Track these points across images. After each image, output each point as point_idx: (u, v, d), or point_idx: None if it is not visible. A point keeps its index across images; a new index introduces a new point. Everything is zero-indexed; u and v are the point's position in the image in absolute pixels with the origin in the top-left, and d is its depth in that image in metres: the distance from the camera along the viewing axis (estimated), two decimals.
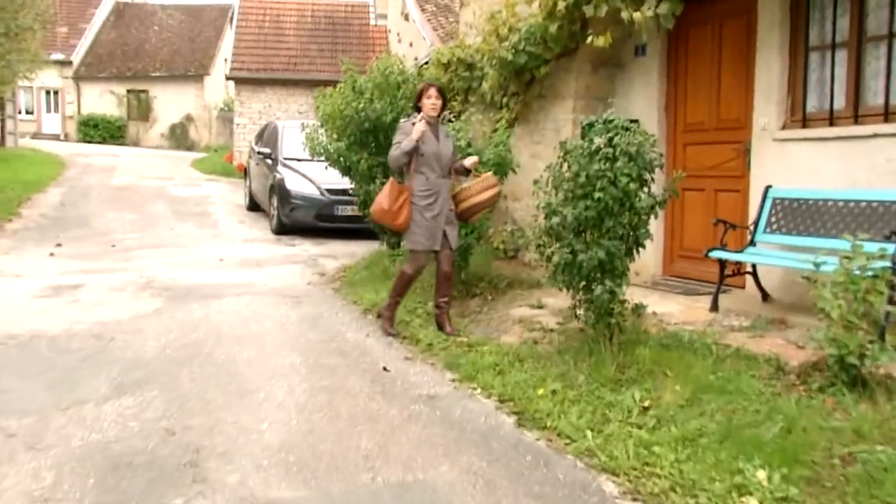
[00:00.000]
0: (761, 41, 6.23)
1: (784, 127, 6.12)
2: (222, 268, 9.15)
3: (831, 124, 5.78)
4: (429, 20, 17.45)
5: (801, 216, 5.76)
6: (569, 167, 4.91)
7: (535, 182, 5.16)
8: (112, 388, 4.77)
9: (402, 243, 6.61)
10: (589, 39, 6.56)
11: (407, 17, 20.00)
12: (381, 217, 6.15)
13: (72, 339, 5.88)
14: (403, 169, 6.10)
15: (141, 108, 35.23)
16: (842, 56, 5.76)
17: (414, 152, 5.91)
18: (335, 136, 8.21)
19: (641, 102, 7.40)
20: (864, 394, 3.93)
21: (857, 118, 5.61)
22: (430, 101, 6.03)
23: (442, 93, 6.16)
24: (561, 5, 6.82)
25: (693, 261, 7.05)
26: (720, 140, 6.75)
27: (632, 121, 5.28)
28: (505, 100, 8.36)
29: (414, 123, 5.93)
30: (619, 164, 4.67)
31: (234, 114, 23.97)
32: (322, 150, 8.32)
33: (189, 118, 35.02)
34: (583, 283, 4.98)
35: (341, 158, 8.19)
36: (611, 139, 4.79)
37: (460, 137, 6.76)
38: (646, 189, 4.88)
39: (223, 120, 32.89)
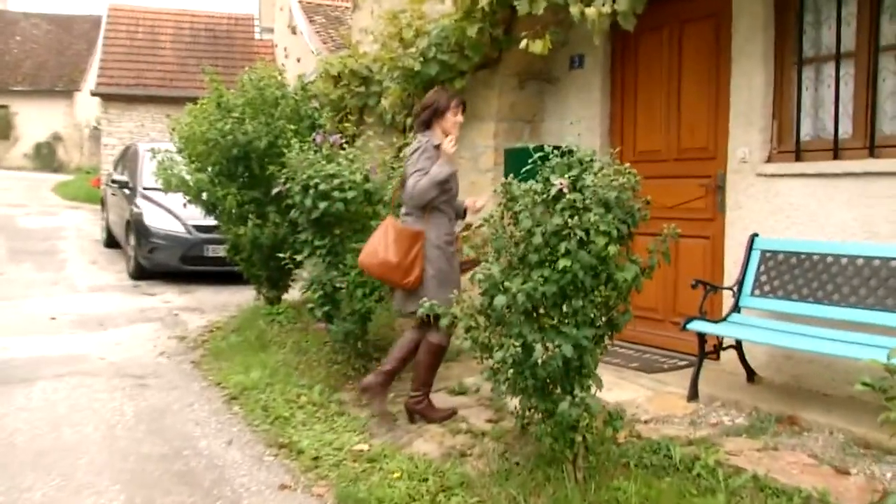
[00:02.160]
0: (738, 49, 4.91)
1: (770, 159, 4.80)
2: (51, 331, 7.13)
3: (836, 157, 4.49)
4: (318, 33, 15.78)
5: (802, 276, 4.42)
6: (515, 220, 3.38)
7: (464, 238, 3.60)
8: None
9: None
10: (522, 44, 5.07)
11: (294, 30, 18.26)
12: (382, 272, 4.37)
13: None
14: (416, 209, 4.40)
15: (0, 126, 31.83)
16: (848, 70, 4.49)
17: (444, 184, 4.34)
18: (196, 165, 6.48)
19: (579, 125, 6.00)
20: None
21: (872, 150, 4.34)
22: (459, 119, 4.51)
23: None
24: (483, 1, 5.35)
25: (648, 323, 5.67)
26: (682, 173, 5.40)
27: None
28: (409, 121, 6.79)
29: (438, 146, 4.32)
30: (591, 216, 3.18)
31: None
32: (179, 183, 6.56)
33: (57, 137, 31.88)
34: (537, 385, 3.45)
35: (204, 193, 6.46)
36: (575, 179, 3.29)
37: (355, 170, 5.10)
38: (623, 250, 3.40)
39: (96, 140, 29.91)
